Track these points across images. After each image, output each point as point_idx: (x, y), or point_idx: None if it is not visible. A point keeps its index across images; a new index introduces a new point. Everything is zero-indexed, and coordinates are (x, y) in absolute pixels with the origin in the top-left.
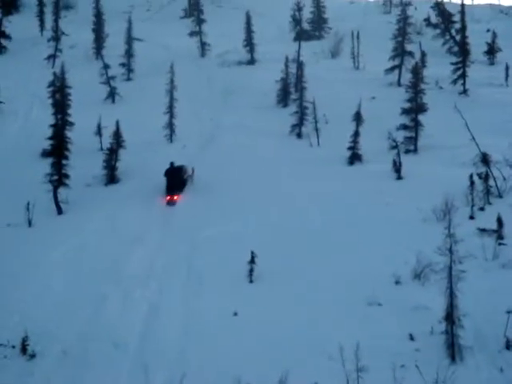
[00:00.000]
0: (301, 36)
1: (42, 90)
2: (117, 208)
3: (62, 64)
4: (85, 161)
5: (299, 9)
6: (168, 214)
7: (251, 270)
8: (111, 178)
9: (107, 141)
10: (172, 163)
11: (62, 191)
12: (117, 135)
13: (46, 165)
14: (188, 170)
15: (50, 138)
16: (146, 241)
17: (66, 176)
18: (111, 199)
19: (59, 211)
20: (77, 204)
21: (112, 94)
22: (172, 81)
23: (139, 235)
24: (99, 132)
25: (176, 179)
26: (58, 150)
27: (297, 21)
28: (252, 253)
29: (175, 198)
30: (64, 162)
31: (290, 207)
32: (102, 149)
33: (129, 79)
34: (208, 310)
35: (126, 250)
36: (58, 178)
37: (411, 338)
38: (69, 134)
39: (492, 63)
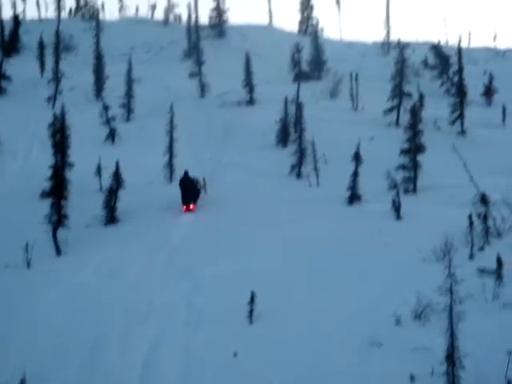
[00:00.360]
0: (300, 77)
1: (41, 130)
2: (117, 249)
3: (62, 105)
4: (84, 201)
5: (298, 50)
6: (169, 252)
7: (251, 311)
8: (111, 218)
9: (107, 181)
10: (186, 172)
11: (61, 232)
12: (116, 175)
13: (45, 206)
14: (200, 181)
15: (50, 179)
16: (146, 281)
17: (66, 217)
18: (111, 240)
19: (58, 252)
20: (76, 245)
21: (112, 135)
22: (172, 121)
23: (139, 275)
24: (99, 172)
25: (190, 189)
26: (57, 190)
27: (296, 62)
28: (252, 293)
29: (191, 206)
30: (63, 202)
31: (289, 246)
32: (101, 189)
33: (128, 120)
34: (208, 350)
35: (126, 290)
36: (58, 218)
37: (412, 378)
38: (68, 174)
39: (489, 104)
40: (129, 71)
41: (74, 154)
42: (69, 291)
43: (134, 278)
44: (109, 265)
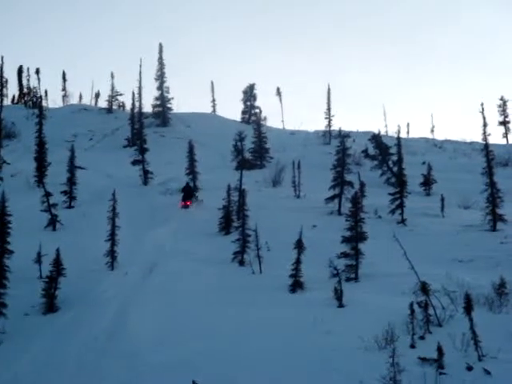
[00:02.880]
0: (243, 165)
1: None
2: (55, 338)
3: (3, 192)
4: (23, 289)
5: (241, 139)
6: (109, 339)
7: None
8: (50, 306)
9: (47, 269)
10: (188, 182)
11: None
12: (57, 263)
13: None
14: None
15: None
16: (85, 372)
17: (3, 305)
18: (49, 329)
19: None
20: (14, 334)
21: (53, 222)
22: (114, 208)
23: (77, 367)
24: (39, 260)
25: (188, 193)
26: None
27: (239, 150)
28: (193, 382)
29: (188, 203)
30: (1, 290)
31: (229, 335)
32: (41, 277)
33: (70, 207)
34: None
35: (63, 380)
36: None
37: None
38: (7, 262)
39: (428, 194)
40: (71, 158)
41: (14, 241)
42: (3, 382)
43: (71, 370)
44: (46, 355)
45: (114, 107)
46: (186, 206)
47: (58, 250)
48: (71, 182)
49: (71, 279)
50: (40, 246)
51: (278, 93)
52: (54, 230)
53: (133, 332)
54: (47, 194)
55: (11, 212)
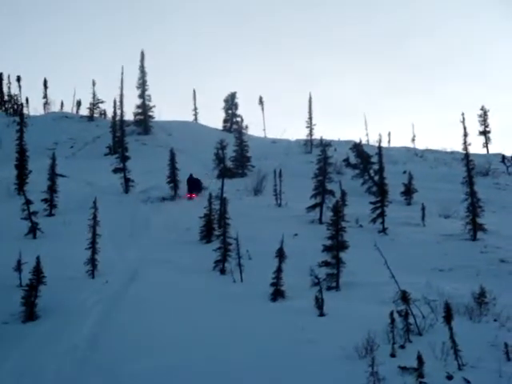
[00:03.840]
0: (224, 173)
1: None
2: (35, 347)
3: None
4: (3, 297)
5: (223, 147)
6: (89, 349)
7: None
8: (30, 315)
9: (27, 277)
10: (191, 174)
11: None
12: (37, 271)
13: None
14: (203, 182)
15: None
16: (63, 379)
17: None
18: (29, 338)
19: None
20: None
21: (33, 230)
22: (95, 216)
23: (57, 376)
24: (19, 268)
25: (193, 185)
26: None
27: (220, 159)
28: None
29: (193, 195)
30: None
31: (210, 344)
32: (21, 285)
33: (51, 215)
34: None
35: None
36: None
37: None
38: None
39: (409, 203)
40: (52, 166)
41: None
42: None
43: (50, 379)
44: (25, 363)
45: (96, 115)
46: (191, 198)
47: (38, 258)
48: (52, 189)
49: (51, 287)
50: (20, 254)
51: (261, 102)
52: (34, 238)
53: (113, 341)
54: (28, 202)
55: None
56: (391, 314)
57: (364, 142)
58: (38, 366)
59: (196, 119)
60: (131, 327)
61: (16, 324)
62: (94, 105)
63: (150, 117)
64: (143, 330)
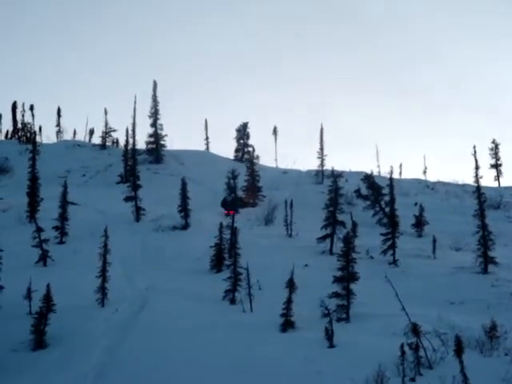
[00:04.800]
0: (235, 203)
1: None
2: (44, 375)
3: None
4: (12, 325)
5: (234, 177)
6: (95, 380)
7: None
8: (39, 343)
9: (37, 305)
10: (225, 198)
11: None
12: (47, 299)
13: None
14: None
15: None
16: None
17: None
18: (38, 366)
19: None
20: (1, 370)
21: (44, 257)
22: (105, 244)
23: None
24: (29, 295)
25: (232, 203)
26: None
27: (231, 188)
28: None
29: (231, 212)
30: None
31: (220, 374)
32: (31, 313)
33: (62, 242)
34: None
35: None
36: None
37: None
38: None
39: (420, 235)
40: (64, 194)
41: (4, 276)
42: None
43: None
44: None
45: (108, 143)
46: (228, 215)
47: (48, 286)
48: (63, 217)
49: (61, 315)
50: (30, 282)
51: (275, 132)
52: (44, 266)
53: (122, 370)
54: (39, 230)
55: (2, 247)
56: (401, 346)
57: (375, 173)
58: None
59: (208, 148)
60: (140, 356)
61: (25, 352)
62: (107, 133)
63: (162, 146)
64: (152, 359)
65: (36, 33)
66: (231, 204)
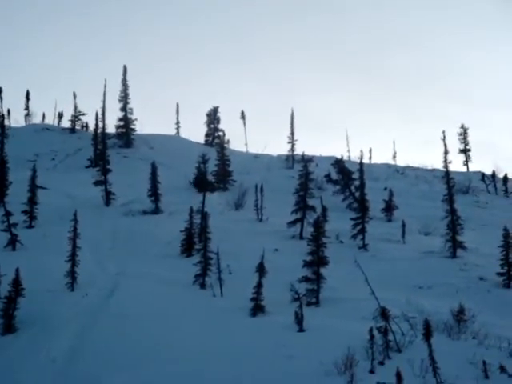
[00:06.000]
0: (205, 188)
1: None
2: (13, 360)
3: None
4: None
5: (204, 161)
6: (65, 364)
7: None
8: (8, 327)
9: (6, 289)
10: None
11: None
12: (16, 283)
13: None
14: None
15: None
16: None
17: None
18: (7, 350)
19: None
20: None
21: (13, 242)
22: (75, 229)
23: None
24: None
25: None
26: None
27: (202, 172)
28: None
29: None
30: None
31: (190, 359)
32: (0, 297)
33: (31, 227)
34: None
35: None
36: None
37: None
38: None
39: (389, 220)
40: (32, 178)
41: None
42: None
43: None
44: (2, 376)
45: (77, 127)
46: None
47: (17, 270)
48: (32, 201)
49: (30, 300)
50: None
51: (243, 116)
52: (13, 250)
53: (91, 355)
54: (7, 214)
55: None
56: (371, 330)
57: (345, 158)
58: (15, 378)
59: (178, 133)
60: (110, 341)
61: None
62: (76, 117)
63: (132, 130)
64: (122, 343)
65: (4, 15)
66: (203, 182)
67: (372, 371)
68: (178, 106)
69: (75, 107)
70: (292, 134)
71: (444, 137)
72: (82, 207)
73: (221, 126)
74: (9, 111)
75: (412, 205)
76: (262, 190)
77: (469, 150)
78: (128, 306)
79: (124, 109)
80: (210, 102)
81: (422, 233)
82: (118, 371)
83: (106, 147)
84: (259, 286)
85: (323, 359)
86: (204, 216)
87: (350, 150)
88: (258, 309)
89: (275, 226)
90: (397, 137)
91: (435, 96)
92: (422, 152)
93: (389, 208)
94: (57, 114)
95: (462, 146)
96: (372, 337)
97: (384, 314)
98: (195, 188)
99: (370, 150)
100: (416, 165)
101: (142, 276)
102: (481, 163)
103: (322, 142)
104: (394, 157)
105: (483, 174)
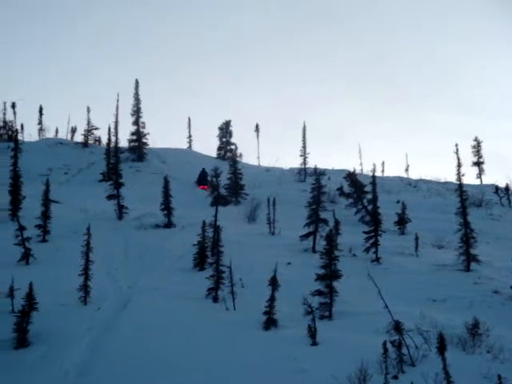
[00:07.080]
0: (218, 201)
1: None
2: (25, 374)
3: None
4: None
5: (217, 175)
6: (78, 378)
7: None
8: (22, 341)
9: (19, 303)
10: (204, 169)
11: None
12: (29, 297)
13: None
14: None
15: None
16: None
17: None
18: (20, 364)
19: None
20: None
21: (26, 256)
22: (88, 242)
23: None
24: (11, 294)
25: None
26: None
27: (214, 186)
28: None
29: (205, 187)
30: None
31: (202, 373)
32: (13, 311)
33: (44, 241)
34: None
35: None
36: None
37: None
38: None
39: (402, 233)
40: (46, 192)
41: None
42: None
43: None
44: None
45: (90, 142)
46: (203, 189)
47: (30, 284)
48: (45, 215)
49: (44, 314)
50: (12, 280)
51: (257, 129)
52: (27, 264)
53: (104, 368)
54: (21, 228)
55: None
56: (384, 344)
57: (358, 171)
58: None
59: (190, 147)
60: (123, 355)
61: (7, 350)
62: (89, 131)
63: (145, 144)
64: (135, 357)
65: (18, 30)
66: (204, 180)
67: None
68: (189, 119)
69: (88, 122)
70: (304, 147)
71: (457, 149)
72: (94, 221)
73: (233, 140)
74: (22, 126)
75: (425, 218)
76: (275, 203)
77: (482, 163)
78: (140, 319)
79: (136, 123)
80: (222, 116)
81: (436, 246)
82: None
83: (119, 161)
84: (272, 299)
85: (336, 373)
86: (216, 229)
87: (363, 163)
88: (270, 322)
89: (288, 239)
90: (409, 150)
91: (447, 107)
92: (434, 163)
93: (401, 221)
94: (70, 128)
95: (475, 159)
96: (385, 350)
97: (397, 327)
98: (197, 185)
99: (383, 163)
100: (428, 177)
101: (154, 290)
102: (493, 175)
103: (334, 155)
104: (407, 169)
105: (497, 187)
